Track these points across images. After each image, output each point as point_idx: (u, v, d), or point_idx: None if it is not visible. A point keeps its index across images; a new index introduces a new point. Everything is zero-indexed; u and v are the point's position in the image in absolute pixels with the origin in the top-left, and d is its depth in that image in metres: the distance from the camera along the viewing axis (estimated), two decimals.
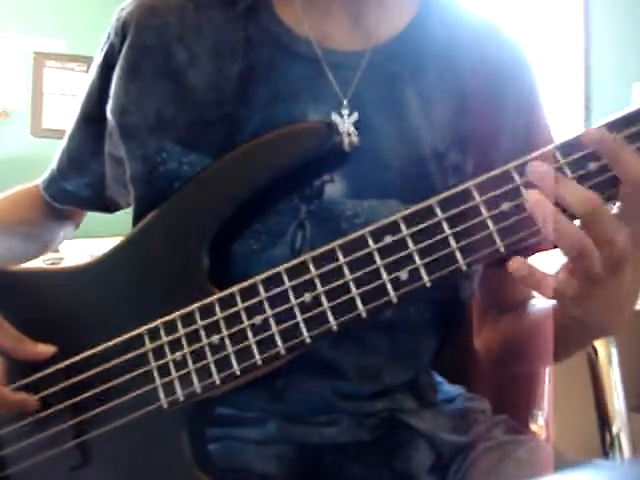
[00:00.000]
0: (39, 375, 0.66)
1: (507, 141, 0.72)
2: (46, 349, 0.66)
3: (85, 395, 0.64)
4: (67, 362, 0.65)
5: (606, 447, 0.86)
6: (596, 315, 0.59)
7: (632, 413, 0.92)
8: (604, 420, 0.86)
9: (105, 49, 0.77)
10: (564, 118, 2.44)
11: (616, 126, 0.53)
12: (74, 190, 0.84)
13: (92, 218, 0.98)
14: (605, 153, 0.52)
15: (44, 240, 0.94)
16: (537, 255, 0.78)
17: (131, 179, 0.73)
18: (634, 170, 0.52)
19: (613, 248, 0.52)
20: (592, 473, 0.53)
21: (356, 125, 0.69)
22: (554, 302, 0.68)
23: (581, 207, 0.52)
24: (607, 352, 0.90)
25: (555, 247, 0.76)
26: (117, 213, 0.89)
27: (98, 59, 0.78)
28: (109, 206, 0.86)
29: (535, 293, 0.89)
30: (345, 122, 0.69)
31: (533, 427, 0.92)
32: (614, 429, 0.85)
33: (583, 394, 0.93)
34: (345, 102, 0.70)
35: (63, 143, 0.85)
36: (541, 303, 0.75)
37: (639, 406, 1.72)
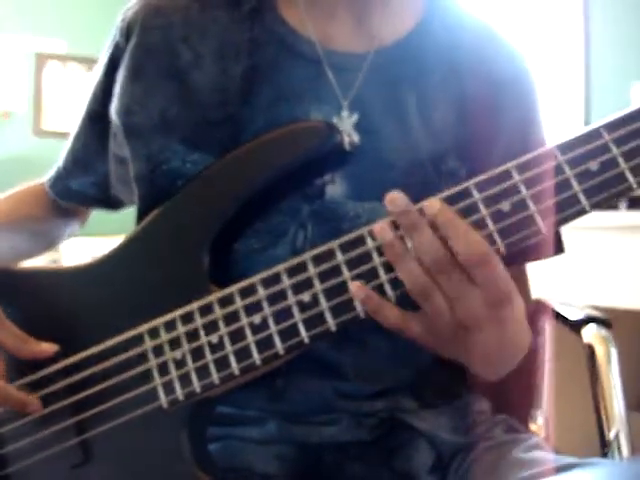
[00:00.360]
0: (41, 374, 0.66)
1: (501, 150, 0.72)
2: (49, 347, 0.66)
3: (86, 394, 0.64)
4: (68, 361, 0.65)
5: (606, 447, 0.86)
6: (464, 361, 0.60)
7: (632, 413, 0.92)
8: (604, 420, 0.86)
9: (110, 49, 0.77)
10: (564, 118, 2.44)
11: (607, 128, 0.53)
12: (79, 189, 0.85)
13: (93, 217, 0.98)
14: (441, 226, 0.53)
15: (49, 237, 0.95)
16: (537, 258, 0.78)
17: (135, 178, 0.73)
18: (467, 247, 0.52)
19: (461, 304, 0.53)
20: (592, 473, 0.53)
21: (356, 127, 0.69)
22: None
23: (473, 254, 0.52)
24: (607, 352, 0.90)
25: (557, 254, 0.77)
26: (119, 212, 0.89)
27: (103, 59, 0.78)
28: (114, 204, 0.86)
29: (535, 296, 0.89)
30: (345, 123, 0.69)
31: (533, 427, 0.92)
32: (614, 429, 0.85)
33: (583, 394, 0.93)
34: (345, 104, 0.70)
35: (68, 142, 0.85)
36: None
37: (639, 406, 1.72)
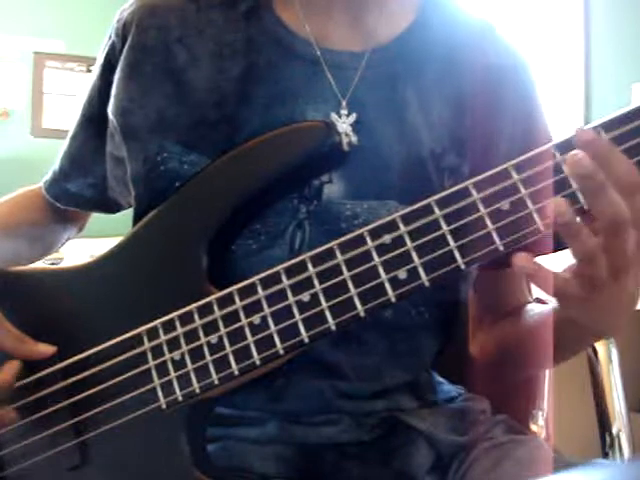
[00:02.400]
0: (38, 375, 0.66)
1: (505, 146, 0.72)
2: (47, 348, 0.66)
3: (84, 395, 0.64)
4: (66, 362, 0.65)
5: (606, 447, 0.86)
6: (595, 318, 0.59)
7: (632, 413, 0.92)
8: (604, 420, 0.86)
9: (106, 50, 0.77)
10: (564, 118, 2.44)
11: (605, 128, 0.53)
12: (77, 191, 0.84)
13: (93, 218, 0.98)
14: (595, 155, 0.52)
15: (48, 241, 0.95)
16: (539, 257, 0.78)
17: (132, 179, 0.73)
18: (624, 170, 0.52)
19: (624, 255, 0.52)
20: (592, 473, 0.53)
21: (354, 126, 0.69)
22: (551, 306, 0.68)
23: (629, 178, 0.51)
24: (607, 352, 0.90)
25: (555, 251, 0.77)
26: (117, 213, 0.89)
27: (100, 60, 0.78)
28: (111, 206, 0.86)
29: (535, 295, 0.89)
30: (343, 123, 0.69)
31: (533, 427, 0.92)
32: (614, 429, 0.85)
33: (583, 394, 0.93)
34: (344, 103, 0.70)
35: (65, 144, 0.85)
36: (538, 308, 0.75)
37: (639, 406, 1.72)
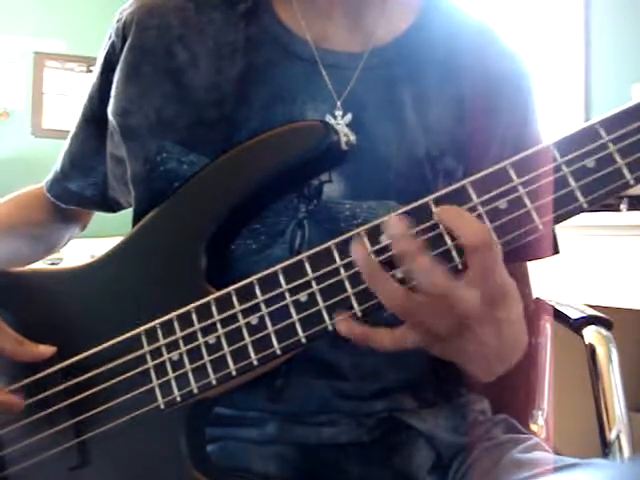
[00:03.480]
0: (38, 376, 0.66)
1: (495, 151, 0.72)
2: (46, 350, 0.66)
3: (83, 395, 0.64)
4: (65, 363, 0.65)
5: (606, 447, 0.86)
6: (461, 363, 0.59)
7: (632, 413, 0.92)
8: (604, 420, 0.86)
9: (106, 50, 0.77)
10: (564, 118, 2.44)
11: (604, 126, 0.53)
12: (78, 190, 0.85)
13: (93, 218, 0.98)
14: (443, 222, 0.53)
15: (50, 241, 0.95)
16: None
17: (131, 179, 0.73)
18: (469, 234, 0.52)
19: (456, 308, 0.52)
20: (593, 473, 0.52)
21: (350, 126, 0.69)
22: None
23: (475, 238, 0.51)
24: (607, 352, 0.90)
25: (555, 254, 0.77)
26: (118, 213, 0.89)
27: (100, 60, 0.78)
28: (112, 206, 0.86)
29: (535, 295, 0.89)
30: (337, 123, 0.69)
31: (533, 427, 0.92)
32: (614, 429, 0.85)
33: (583, 394, 0.93)
34: (338, 103, 0.70)
35: (66, 144, 0.85)
36: None
37: (639, 406, 1.72)
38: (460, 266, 0.53)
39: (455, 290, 0.52)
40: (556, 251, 0.79)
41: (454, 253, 0.54)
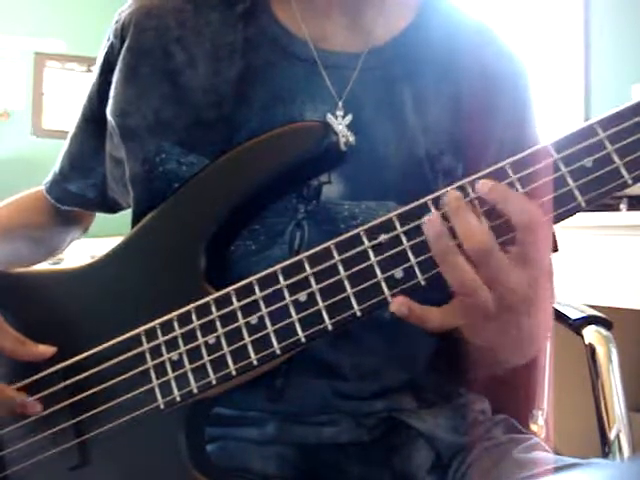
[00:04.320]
0: (39, 376, 0.66)
1: (494, 151, 0.72)
2: (46, 349, 0.66)
3: (83, 395, 0.64)
4: (65, 363, 0.65)
5: (606, 447, 0.86)
6: (492, 349, 0.59)
7: (632, 413, 0.92)
8: (604, 420, 0.86)
9: (105, 50, 0.77)
10: (564, 118, 2.43)
11: (602, 126, 0.53)
12: (77, 191, 0.85)
13: (95, 219, 0.98)
14: (493, 200, 0.53)
15: (51, 243, 0.95)
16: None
17: (130, 180, 0.73)
18: (522, 212, 0.52)
19: (506, 289, 0.52)
20: (592, 473, 0.52)
21: (350, 127, 0.69)
22: None
23: (523, 217, 0.52)
24: (607, 352, 0.90)
25: (555, 251, 0.77)
26: (117, 213, 0.89)
27: (99, 60, 0.78)
28: (112, 207, 0.86)
29: None
30: (339, 124, 0.69)
31: (533, 427, 0.92)
32: (614, 429, 0.85)
33: (583, 394, 0.93)
34: (340, 104, 0.70)
35: (65, 145, 0.85)
36: None
37: (639, 406, 1.72)
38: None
39: (505, 267, 0.52)
40: (555, 249, 0.79)
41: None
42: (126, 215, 0.80)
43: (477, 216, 0.53)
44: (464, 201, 0.53)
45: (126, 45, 0.74)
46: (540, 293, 0.54)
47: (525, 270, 0.53)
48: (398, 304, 0.54)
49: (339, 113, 0.70)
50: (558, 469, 0.65)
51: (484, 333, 0.57)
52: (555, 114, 2.41)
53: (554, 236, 0.78)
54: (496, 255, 0.52)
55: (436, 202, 0.55)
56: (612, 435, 0.86)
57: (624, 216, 1.74)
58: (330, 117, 0.69)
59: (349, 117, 0.70)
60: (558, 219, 0.54)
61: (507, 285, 0.52)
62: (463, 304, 0.54)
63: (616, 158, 0.52)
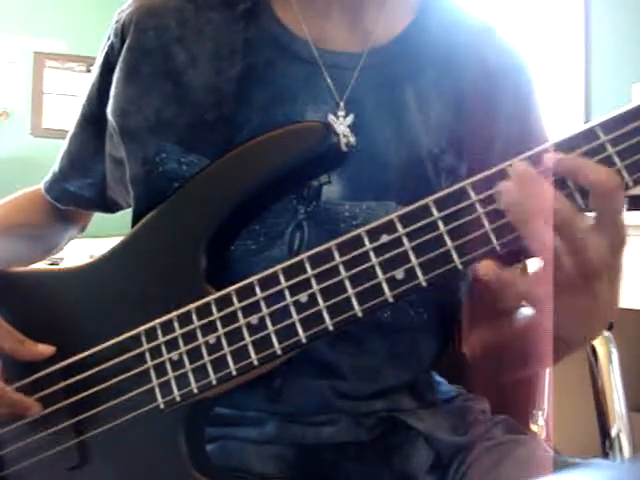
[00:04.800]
0: (38, 375, 0.66)
1: (500, 146, 0.72)
2: (46, 349, 0.66)
3: (83, 395, 0.64)
4: (65, 362, 0.65)
5: (606, 447, 0.86)
6: (567, 324, 0.58)
7: (632, 413, 0.92)
8: (604, 420, 0.86)
9: (105, 50, 0.77)
10: (564, 118, 2.44)
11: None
12: (76, 191, 0.84)
13: (92, 218, 0.98)
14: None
15: (49, 242, 0.95)
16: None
17: (130, 180, 0.73)
18: (599, 179, 0.51)
19: (587, 254, 0.52)
20: (592, 473, 0.52)
21: (352, 127, 0.69)
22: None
23: (607, 182, 0.51)
24: (607, 352, 0.90)
25: None
26: (117, 213, 0.89)
27: (99, 60, 0.78)
28: (111, 206, 0.86)
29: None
30: (340, 124, 0.69)
31: (533, 427, 0.92)
32: (614, 429, 0.85)
33: (583, 394, 0.93)
34: (341, 104, 0.70)
35: (64, 144, 0.85)
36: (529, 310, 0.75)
37: (639, 406, 1.71)
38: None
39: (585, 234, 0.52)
40: None
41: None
42: (126, 215, 0.80)
43: (550, 183, 0.52)
44: (535, 170, 0.52)
45: (126, 45, 0.74)
46: (618, 260, 0.54)
47: (603, 236, 0.52)
48: (486, 268, 0.53)
49: (340, 113, 0.70)
50: (558, 469, 0.65)
51: (563, 307, 0.55)
52: (555, 114, 2.41)
53: None
54: (576, 220, 0.51)
55: (438, 203, 0.55)
56: (612, 435, 0.86)
57: (624, 216, 1.74)
58: (331, 117, 0.69)
59: (350, 117, 0.69)
60: None
61: (587, 251, 0.52)
62: (547, 272, 0.53)
63: (617, 160, 0.52)
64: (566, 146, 0.53)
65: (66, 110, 3.58)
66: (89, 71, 3.60)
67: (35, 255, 0.93)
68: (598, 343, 0.90)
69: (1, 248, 0.87)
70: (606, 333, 0.92)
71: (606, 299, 0.56)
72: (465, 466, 0.72)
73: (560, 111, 2.44)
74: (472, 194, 0.54)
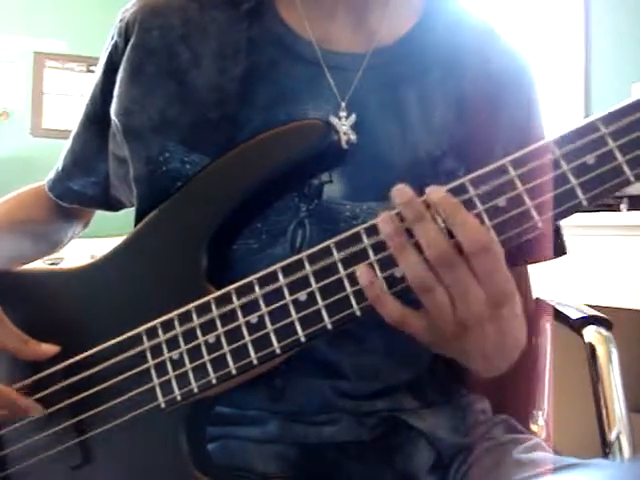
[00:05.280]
0: (40, 375, 0.66)
1: (499, 151, 0.72)
2: (49, 348, 0.66)
3: (85, 394, 0.64)
4: (67, 362, 0.65)
5: (606, 447, 0.86)
6: (465, 360, 0.59)
7: (632, 413, 0.92)
8: (604, 420, 0.86)
9: (109, 50, 0.77)
10: (564, 118, 2.44)
11: (604, 121, 0.53)
12: (79, 189, 0.85)
13: (93, 218, 0.98)
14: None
15: (52, 239, 0.95)
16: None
17: (134, 179, 0.73)
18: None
19: (466, 308, 0.53)
20: (593, 474, 0.52)
21: (354, 127, 0.69)
22: None
23: (475, 242, 0.52)
24: (607, 352, 0.90)
25: (557, 256, 0.76)
26: (118, 213, 0.89)
27: (102, 60, 0.78)
28: (114, 205, 0.86)
29: (535, 295, 0.89)
30: (343, 125, 0.69)
31: (533, 427, 0.92)
32: (614, 429, 0.85)
33: (584, 394, 0.92)
34: (343, 104, 0.70)
35: (68, 143, 0.85)
36: None
37: (639, 406, 1.72)
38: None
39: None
40: (563, 252, 0.78)
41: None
42: (127, 215, 0.80)
43: (435, 223, 0.53)
44: (424, 209, 0.53)
45: (131, 44, 0.74)
46: (503, 311, 0.54)
47: (482, 286, 0.52)
48: (364, 272, 0.54)
49: (342, 114, 0.70)
50: (558, 469, 0.65)
51: (445, 351, 0.58)
52: (555, 114, 2.41)
53: (562, 239, 0.78)
54: (455, 265, 0.52)
55: None
56: (612, 435, 0.86)
57: (624, 216, 1.74)
58: (333, 118, 0.69)
59: (353, 117, 0.69)
60: (559, 217, 0.53)
61: (464, 297, 0.52)
62: (423, 309, 0.54)
63: (618, 155, 0.52)
64: (567, 142, 0.53)
65: (66, 110, 3.59)
66: (89, 71, 3.60)
67: (38, 252, 0.93)
68: (598, 343, 0.90)
69: (4, 245, 0.87)
70: (606, 333, 0.92)
71: (492, 345, 0.56)
72: (466, 466, 0.73)
73: (560, 111, 2.44)
74: (471, 190, 0.54)
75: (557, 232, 0.76)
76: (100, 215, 0.93)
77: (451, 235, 0.53)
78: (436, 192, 0.53)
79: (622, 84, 2.28)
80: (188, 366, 0.61)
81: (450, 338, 0.55)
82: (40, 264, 0.95)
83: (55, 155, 0.87)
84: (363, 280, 0.55)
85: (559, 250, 0.77)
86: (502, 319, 0.55)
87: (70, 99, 3.64)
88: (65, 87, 3.67)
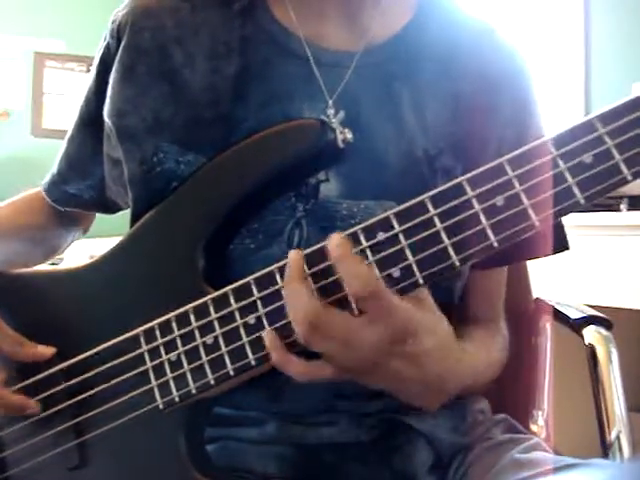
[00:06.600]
0: (37, 377, 0.66)
1: (493, 150, 0.72)
2: (46, 350, 0.66)
3: (82, 396, 0.64)
4: (64, 364, 0.65)
5: (606, 447, 0.85)
6: (388, 391, 0.60)
7: (632, 413, 0.92)
8: (604, 420, 0.86)
9: (102, 51, 0.77)
10: (564, 118, 2.43)
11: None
12: (76, 193, 0.84)
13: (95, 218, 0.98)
14: (334, 260, 0.54)
15: (51, 244, 0.94)
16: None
17: (128, 180, 0.73)
18: (358, 285, 0.53)
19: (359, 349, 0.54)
20: (592, 474, 0.52)
21: (346, 124, 0.69)
22: None
23: (361, 289, 0.53)
24: (607, 352, 0.90)
25: (555, 252, 0.76)
26: (117, 213, 0.89)
27: (96, 61, 0.78)
28: (111, 207, 0.86)
29: (535, 295, 0.89)
30: (332, 121, 0.69)
31: (533, 427, 0.91)
32: (614, 429, 0.85)
33: (583, 394, 0.92)
34: (330, 102, 0.69)
35: (62, 147, 0.85)
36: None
37: (639, 406, 1.72)
38: (356, 312, 0.55)
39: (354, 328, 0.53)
40: (565, 248, 0.77)
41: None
42: (125, 215, 0.80)
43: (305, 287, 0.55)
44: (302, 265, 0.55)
45: (123, 45, 0.74)
46: (408, 348, 0.55)
47: (375, 330, 0.53)
48: (270, 336, 0.56)
49: (330, 111, 0.69)
50: (558, 469, 0.65)
51: (368, 384, 0.59)
52: (555, 113, 2.40)
53: (564, 235, 0.77)
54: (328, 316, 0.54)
55: (434, 199, 0.55)
56: (612, 435, 0.85)
57: (624, 216, 1.74)
58: (322, 115, 0.69)
59: (341, 114, 0.69)
60: (557, 216, 0.53)
61: (353, 341, 0.54)
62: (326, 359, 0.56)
63: (616, 154, 0.52)
64: (564, 140, 0.53)
65: (66, 110, 3.58)
66: (89, 71, 3.59)
67: (37, 257, 0.93)
68: (598, 343, 0.90)
69: (2, 250, 0.87)
70: (606, 333, 0.92)
71: (417, 378, 0.57)
72: (465, 466, 0.72)
73: (560, 111, 2.44)
74: (469, 190, 0.54)
75: (559, 227, 0.75)
76: (99, 215, 0.93)
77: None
78: (332, 239, 0.55)
79: (622, 84, 2.28)
80: (186, 367, 0.61)
81: (361, 374, 0.56)
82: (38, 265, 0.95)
83: (55, 155, 0.87)
84: (269, 345, 0.57)
85: (561, 245, 0.76)
86: (412, 356, 0.55)
87: (70, 99, 3.64)
88: (65, 87, 3.67)
